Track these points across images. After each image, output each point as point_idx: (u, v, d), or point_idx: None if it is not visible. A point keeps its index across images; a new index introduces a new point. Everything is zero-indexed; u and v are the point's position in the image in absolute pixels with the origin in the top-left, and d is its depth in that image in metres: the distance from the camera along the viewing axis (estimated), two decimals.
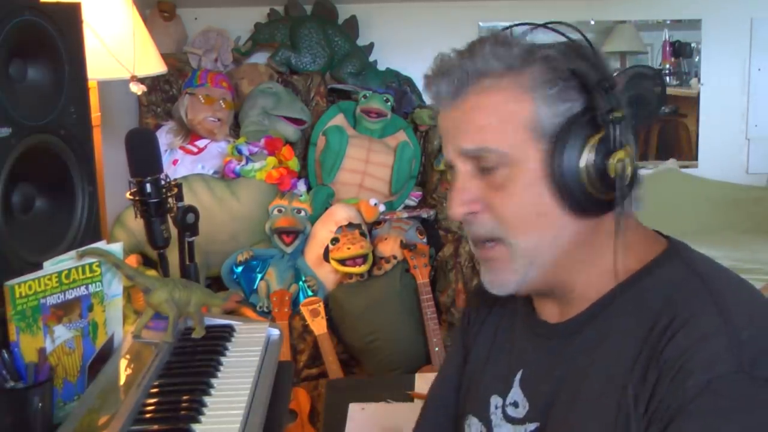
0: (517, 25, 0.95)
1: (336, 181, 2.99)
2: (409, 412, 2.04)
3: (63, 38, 1.31)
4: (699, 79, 3.51)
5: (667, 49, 3.50)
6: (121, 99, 2.87)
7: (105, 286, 1.22)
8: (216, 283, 2.75)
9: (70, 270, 1.16)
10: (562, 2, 3.34)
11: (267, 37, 3.24)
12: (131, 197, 1.43)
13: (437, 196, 3.02)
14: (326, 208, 2.89)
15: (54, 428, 1.03)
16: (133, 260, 2.44)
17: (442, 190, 3.00)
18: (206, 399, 1.09)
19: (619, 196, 0.87)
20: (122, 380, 1.15)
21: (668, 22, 3.49)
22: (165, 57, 2.54)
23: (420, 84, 3.29)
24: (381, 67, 3.34)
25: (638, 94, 3.48)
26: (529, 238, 0.90)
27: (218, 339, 1.29)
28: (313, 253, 2.79)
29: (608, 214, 0.90)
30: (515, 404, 0.99)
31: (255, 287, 2.72)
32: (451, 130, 0.93)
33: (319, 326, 2.56)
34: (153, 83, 3.01)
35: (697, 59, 3.51)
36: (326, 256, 2.69)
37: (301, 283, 2.73)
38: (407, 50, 3.35)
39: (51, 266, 1.15)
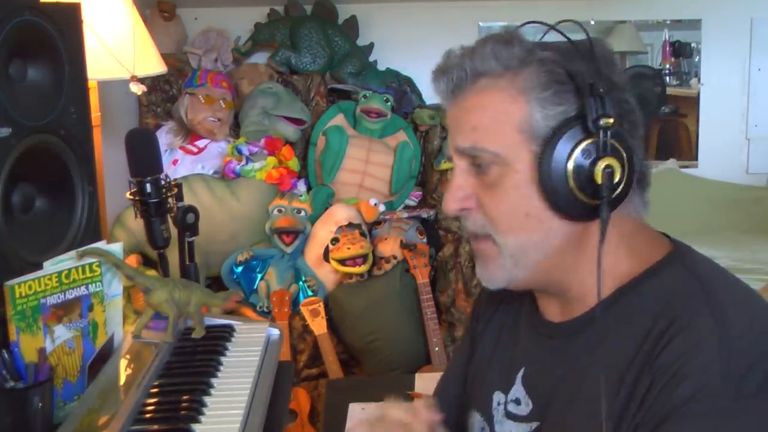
0: (527, 24, 0.95)
1: (336, 181, 2.99)
2: None
3: (63, 38, 1.31)
4: (699, 79, 3.51)
5: (667, 49, 3.50)
6: (121, 99, 2.87)
7: (105, 286, 1.22)
8: (216, 283, 2.75)
9: (70, 270, 1.16)
10: (562, 2, 3.34)
11: (267, 37, 3.24)
12: (131, 197, 1.43)
13: (437, 196, 3.02)
14: (326, 208, 2.89)
15: (54, 428, 1.03)
16: (133, 260, 2.44)
17: (441, 190, 3.00)
18: (206, 399, 1.09)
19: (603, 203, 0.86)
20: (122, 380, 1.15)
21: (668, 22, 3.49)
22: (165, 57, 2.54)
23: (420, 84, 3.30)
24: (381, 67, 3.34)
25: (638, 94, 3.47)
26: (517, 238, 0.91)
27: (218, 339, 1.29)
28: (313, 253, 2.79)
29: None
30: (517, 401, 1.00)
31: (255, 287, 2.72)
32: (451, 127, 0.95)
33: (319, 326, 2.56)
34: (153, 83, 3.01)
35: (697, 59, 3.51)
36: (326, 256, 2.69)
37: (301, 283, 2.73)
38: (407, 50, 3.35)
39: (51, 266, 1.15)
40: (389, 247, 2.75)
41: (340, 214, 2.80)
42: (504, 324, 1.09)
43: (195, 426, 1.02)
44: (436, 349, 2.54)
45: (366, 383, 2.46)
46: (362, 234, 2.71)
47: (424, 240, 2.84)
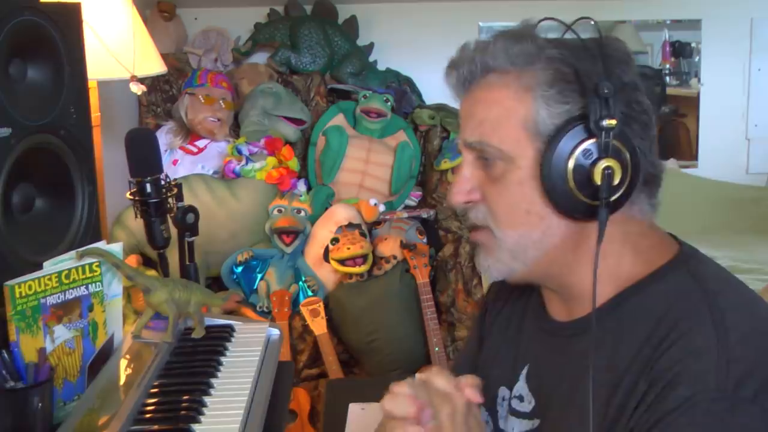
0: (544, 20, 0.95)
1: (336, 181, 2.99)
2: None
3: (63, 38, 1.31)
4: (699, 79, 3.51)
5: (667, 49, 3.50)
6: (121, 99, 2.88)
7: (105, 286, 1.22)
8: (216, 283, 2.75)
9: (70, 270, 1.16)
10: (562, 2, 3.33)
11: (267, 37, 3.24)
12: (131, 197, 1.43)
13: (437, 196, 3.02)
14: (326, 208, 2.89)
15: (54, 428, 1.03)
16: (133, 260, 2.44)
17: (442, 190, 3.00)
18: (206, 399, 1.09)
19: (602, 204, 0.86)
20: (122, 380, 1.15)
21: (668, 22, 3.49)
22: (165, 57, 2.54)
23: (420, 84, 3.30)
24: (381, 67, 3.34)
25: None
26: (516, 233, 0.91)
27: (218, 339, 1.29)
28: (313, 253, 2.79)
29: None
30: (520, 398, 1.00)
31: (255, 287, 2.72)
32: (461, 120, 0.96)
33: (319, 326, 2.56)
34: (153, 83, 3.01)
35: (697, 59, 3.51)
36: (326, 256, 2.69)
37: (301, 283, 2.73)
38: (407, 50, 3.35)
39: (51, 266, 1.15)
40: (389, 247, 2.75)
41: (340, 214, 2.80)
42: (511, 319, 1.09)
43: (195, 426, 1.02)
44: (436, 349, 2.54)
45: (366, 383, 2.46)
46: (362, 234, 2.71)
47: (424, 240, 2.84)
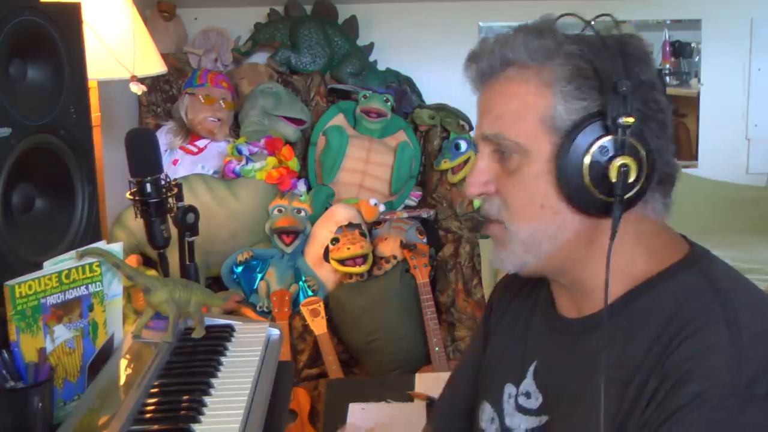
0: (563, 16, 0.95)
1: (336, 181, 2.99)
2: (409, 412, 2.04)
3: (63, 38, 1.31)
4: (699, 79, 3.51)
5: (667, 49, 3.50)
6: (121, 99, 2.87)
7: (105, 286, 1.22)
8: (216, 283, 2.75)
9: (70, 270, 1.16)
10: (562, 2, 3.33)
11: (267, 37, 3.24)
12: (131, 197, 1.43)
13: (437, 196, 3.02)
14: (326, 208, 2.89)
15: (54, 428, 1.03)
16: (133, 260, 2.44)
17: (441, 190, 3.00)
18: (206, 399, 1.09)
19: (616, 201, 0.86)
20: (122, 380, 1.15)
21: (668, 22, 3.49)
22: (165, 57, 2.54)
23: (420, 84, 3.30)
24: (381, 67, 3.34)
25: None
26: (530, 227, 0.92)
27: (218, 339, 1.29)
28: (313, 253, 2.79)
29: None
30: (527, 395, 1.00)
31: (255, 287, 2.72)
32: (479, 113, 0.96)
33: (319, 326, 2.56)
34: (153, 83, 3.01)
35: (697, 59, 3.51)
36: (326, 256, 2.69)
37: (301, 283, 2.73)
38: (407, 50, 3.35)
39: (51, 266, 1.15)
40: (389, 247, 2.75)
41: (340, 214, 2.80)
42: (519, 315, 1.09)
43: (195, 426, 1.02)
44: (436, 349, 2.54)
45: (366, 383, 2.46)
46: (362, 234, 2.71)
47: (424, 240, 2.84)
